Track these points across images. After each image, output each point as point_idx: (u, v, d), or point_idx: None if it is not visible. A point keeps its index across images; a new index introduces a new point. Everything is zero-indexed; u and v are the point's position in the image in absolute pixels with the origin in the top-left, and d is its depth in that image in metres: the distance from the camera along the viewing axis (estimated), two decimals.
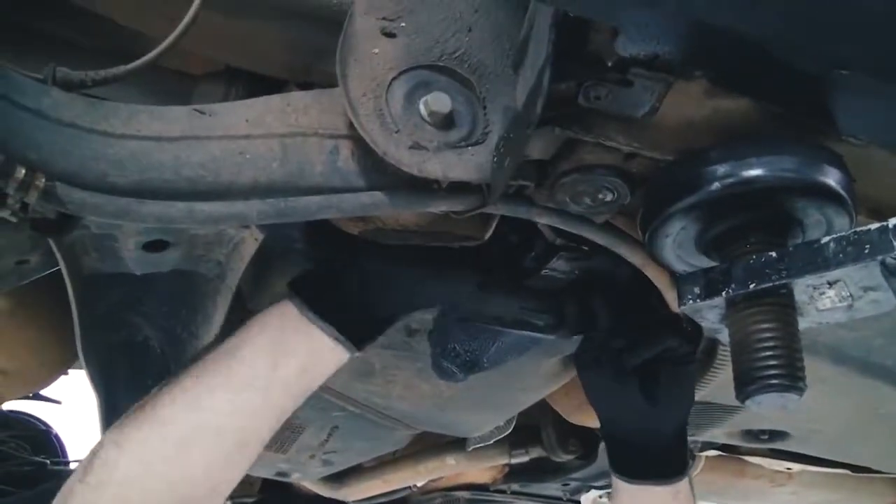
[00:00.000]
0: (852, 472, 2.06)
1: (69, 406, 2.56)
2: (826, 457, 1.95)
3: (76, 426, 2.78)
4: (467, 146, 0.94)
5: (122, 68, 0.96)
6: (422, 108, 0.94)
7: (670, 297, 1.17)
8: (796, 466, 2.08)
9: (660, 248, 0.95)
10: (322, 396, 1.63)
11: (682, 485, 1.33)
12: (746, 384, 0.84)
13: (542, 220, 1.05)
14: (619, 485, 1.35)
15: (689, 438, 1.86)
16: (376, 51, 0.95)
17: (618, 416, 1.38)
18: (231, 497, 2.57)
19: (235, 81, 1.24)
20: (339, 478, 2.38)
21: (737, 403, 1.50)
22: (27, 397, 2.39)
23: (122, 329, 1.37)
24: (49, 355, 1.72)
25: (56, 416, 2.69)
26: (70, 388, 2.19)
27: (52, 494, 2.30)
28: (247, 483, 2.64)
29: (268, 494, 2.74)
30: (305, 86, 1.20)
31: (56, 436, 2.67)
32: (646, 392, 1.29)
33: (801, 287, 0.85)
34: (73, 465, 2.53)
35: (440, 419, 1.75)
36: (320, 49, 1.14)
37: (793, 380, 0.83)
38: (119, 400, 1.52)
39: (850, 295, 0.85)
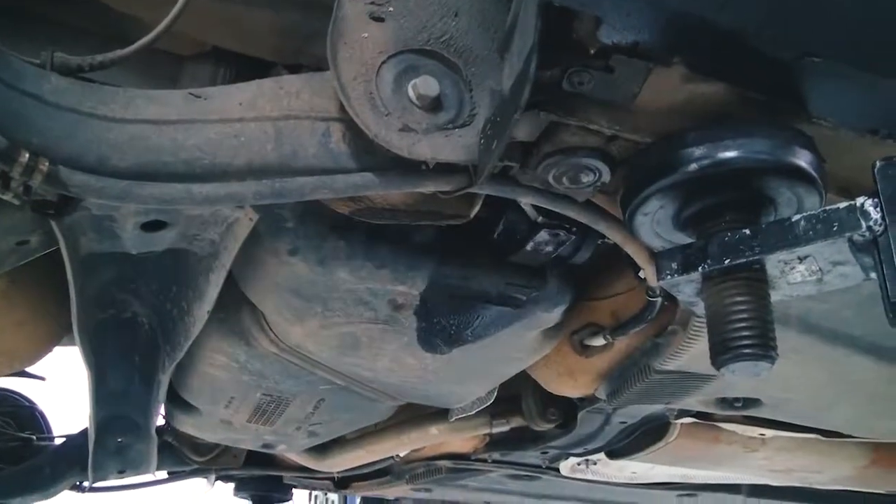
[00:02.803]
0: (823, 437, 2.13)
1: (53, 382, 2.59)
2: (798, 423, 2.02)
3: (60, 402, 2.81)
4: (454, 128, 0.98)
5: (118, 53, 0.99)
6: (410, 91, 0.97)
7: (649, 272, 1.22)
8: (769, 432, 2.14)
9: (639, 226, 0.99)
10: (309, 370, 1.67)
11: None
12: (721, 353, 0.89)
13: (526, 200, 1.10)
14: None
15: (666, 407, 1.93)
16: (365, 35, 0.98)
17: None
18: (217, 469, 2.63)
19: (223, 63, 1.27)
20: (323, 449, 2.42)
21: (711, 372, 1.57)
22: (11, 374, 2.41)
23: (111, 307, 1.41)
24: (37, 333, 1.74)
25: (40, 392, 2.72)
26: (54, 365, 2.22)
27: (39, 470, 2.33)
28: (231, 456, 2.68)
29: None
30: (294, 68, 1.23)
31: (40, 412, 2.70)
32: None
33: (773, 262, 0.90)
34: (57, 441, 2.56)
35: (424, 391, 1.80)
36: (309, 32, 1.17)
37: (765, 349, 0.89)
38: (108, 375, 1.55)
39: (820, 269, 0.91)
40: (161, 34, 1.00)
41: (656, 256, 0.96)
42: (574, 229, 1.27)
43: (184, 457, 2.57)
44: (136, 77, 1.28)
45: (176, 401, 1.97)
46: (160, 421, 2.12)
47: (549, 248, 1.32)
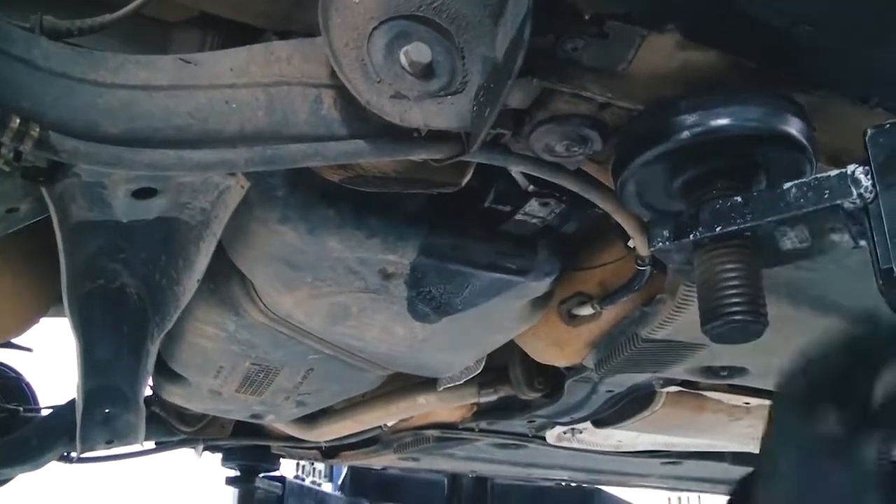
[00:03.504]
0: None
1: (40, 354, 2.58)
2: None
3: (46, 373, 2.80)
4: (447, 95, 0.98)
5: (107, 17, 0.98)
6: (402, 58, 0.97)
7: (639, 241, 1.22)
8: (754, 401, 2.17)
9: (630, 194, 1.00)
10: (298, 340, 1.67)
11: None
12: (712, 320, 0.90)
13: (518, 168, 1.10)
14: None
15: (652, 376, 1.95)
16: (357, 0, 0.98)
17: None
18: (205, 439, 2.64)
19: (211, 29, 1.25)
20: (311, 419, 2.43)
21: (698, 341, 1.58)
22: None
23: (100, 276, 1.40)
24: (24, 304, 1.74)
25: (26, 363, 2.71)
26: (40, 336, 2.21)
27: (26, 441, 2.33)
28: (219, 426, 2.69)
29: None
30: (283, 34, 1.22)
31: (27, 383, 2.69)
32: None
33: (765, 229, 0.91)
34: (44, 412, 2.55)
35: (413, 360, 1.80)
36: None
37: (755, 315, 0.90)
38: (96, 345, 1.55)
39: (811, 236, 0.92)
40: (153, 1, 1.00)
41: (648, 224, 0.97)
42: (564, 198, 1.28)
43: (171, 427, 2.57)
44: (123, 43, 1.26)
45: (164, 371, 1.97)
46: (148, 391, 2.12)
47: (540, 218, 1.33)
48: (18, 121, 0.83)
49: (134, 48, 1.25)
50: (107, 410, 1.72)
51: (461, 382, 2.08)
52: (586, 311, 1.62)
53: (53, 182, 0.95)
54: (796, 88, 0.93)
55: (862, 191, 0.83)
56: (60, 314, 1.85)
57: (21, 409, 2.58)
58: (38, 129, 0.83)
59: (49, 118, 0.86)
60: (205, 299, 1.57)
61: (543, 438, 2.68)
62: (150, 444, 2.71)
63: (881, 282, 0.81)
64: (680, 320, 1.47)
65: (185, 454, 2.82)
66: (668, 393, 2.12)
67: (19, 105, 0.85)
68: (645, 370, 1.83)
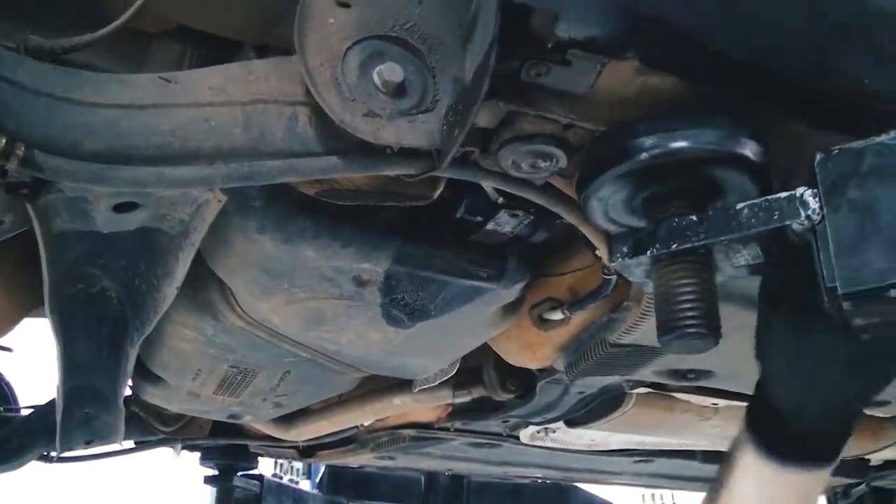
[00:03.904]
0: None
1: (20, 354, 2.59)
2: (749, 393, 2.10)
3: (27, 374, 2.81)
4: (418, 114, 1.01)
5: (90, 36, 1.01)
6: (375, 77, 1.00)
7: (603, 251, 1.26)
8: (722, 402, 2.22)
9: (593, 210, 1.04)
10: (275, 344, 1.70)
11: (826, 472, 1.09)
12: (667, 332, 0.95)
13: (487, 183, 1.14)
14: (758, 465, 1.10)
15: (622, 378, 2.00)
16: (331, 20, 1.01)
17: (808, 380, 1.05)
18: (183, 439, 2.66)
19: (189, 41, 1.28)
20: (288, 419, 2.46)
21: None
22: None
23: (80, 281, 1.43)
24: (5, 307, 1.76)
25: (6, 363, 2.72)
26: (20, 337, 2.23)
27: (7, 440, 2.34)
28: (197, 426, 2.71)
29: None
30: (261, 48, 1.25)
31: (7, 383, 2.70)
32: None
33: (719, 247, 0.96)
34: (24, 412, 2.57)
35: (388, 363, 1.84)
36: (276, 14, 1.19)
37: (709, 329, 0.94)
38: (76, 347, 1.58)
39: (762, 253, 0.97)
40: (134, 15, 1.03)
41: (609, 240, 1.01)
42: (533, 210, 1.32)
43: (150, 427, 2.60)
44: (102, 55, 1.29)
45: (144, 373, 2.00)
46: (127, 392, 2.15)
47: (509, 228, 1.37)
48: (4, 140, 0.86)
49: (113, 59, 1.28)
50: (86, 411, 1.75)
51: (436, 384, 2.12)
52: (557, 315, 1.66)
53: (37, 197, 0.98)
54: (752, 112, 0.97)
55: (810, 213, 0.87)
56: (40, 315, 1.88)
57: (1, 409, 2.60)
58: (23, 148, 0.87)
59: (34, 137, 0.89)
60: (184, 304, 1.60)
61: (517, 438, 2.72)
62: (129, 444, 2.73)
63: (826, 299, 0.86)
64: (645, 327, 1.52)
65: (163, 453, 2.85)
66: (637, 394, 2.17)
67: (4, 124, 0.88)
68: (614, 373, 1.87)
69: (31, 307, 1.81)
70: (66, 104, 0.92)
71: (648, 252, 0.96)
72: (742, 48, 0.90)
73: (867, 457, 2.90)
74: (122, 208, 1.17)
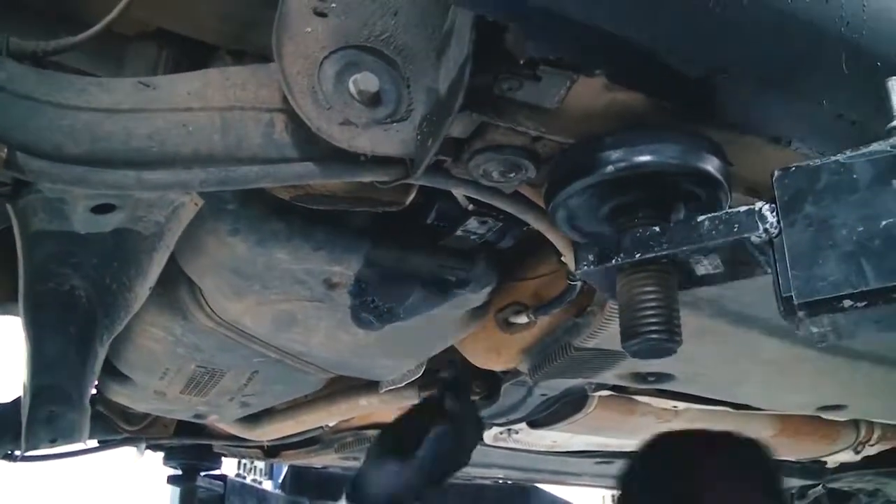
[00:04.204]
0: (733, 409, 2.27)
1: None
2: (709, 396, 2.15)
3: None
4: (392, 122, 1.04)
5: (70, 39, 1.03)
6: (351, 86, 1.03)
7: (569, 258, 1.30)
8: (682, 405, 2.27)
9: (560, 219, 1.08)
10: (244, 344, 1.72)
11: None
12: (630, 338, 0.99)
13: (458, 190, 1.17)
14: None
15: (585, 381, 2.04)
16: (309, 30, 1.03)
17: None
18: (147, 438, 2.65)
19: (167, 44, 1.30)
20: (254, 419, 2.48)
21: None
22: None
23: (50, 280, 1.43)
24: None
25: None
26: None
27: None
28: (161, 425, 2.71)
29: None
30: (237, 53, 1.27)
31: None
32: None
33: (681, 257, 0.99)
34: None
35: (356, 364, 1.87)
36: (252, 20, 1.22)
37: (669, 335, 0.98)
38: (45, 344, 1.58)
39: (723, 263, 1.01)
40: (115, 20, 1.04)
41: (574, 248, 1.05)
42: (501, 217, 1.35)
43: (114, 426, 2.60)
44: (80, 57, 1.30)
45: (110, 371, 2.00)
46: (92, 391, 2.14)
47: (478, 234, 1.41)
48: None
49: (90, 62, 1.29)
50: (51, 409, 1.74)
51: (402, 385, 2.15)
52: (522, 319, 1.70)
53: (17, 198, 0.99)
54: (714, 127, 1.01)
55: (768, 226, 0.90)
56: (7, 312, 1.88)
57: None
58: (6, 150, 0.88)
59: (16, 139, 0.91)
60: (153, 303, 1.61)
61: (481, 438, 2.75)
62: (93, 443, 2.72)
63: (782, 308, 0.90)
64: (608, 331, 1.56)
65: (127, 452, 2.84)
66: (599, 397, 2.22)
67: None
68: (577, 376, 1.91)
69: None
70: (48, 107, 0.94)
71: (613, 261, 1.00)
72: (699, 65, 0.94)
73: (823, 459, 2.98)
74: (99, 210, 1.18)
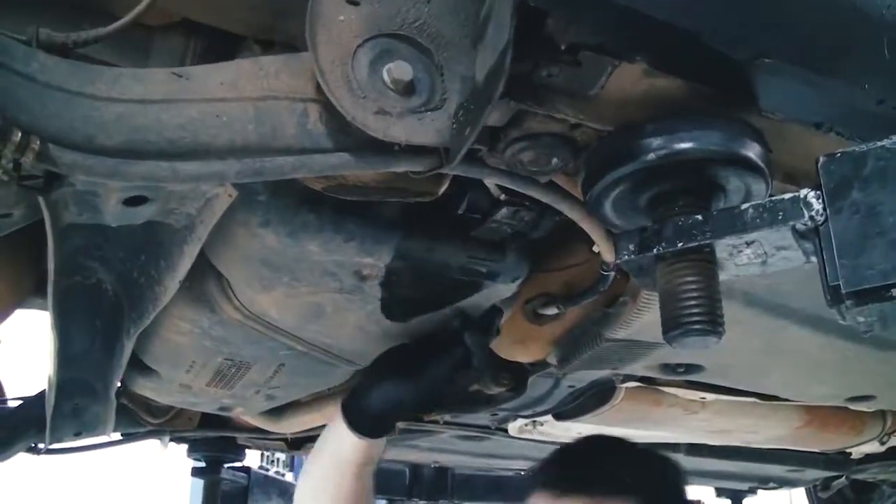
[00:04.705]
0: (761, 399, 2.26)
1: (7, 346, 2.58)
2: (737, 387, 2.14)
3: (14, 366, 2.80)
4: (426, 111, 1.03)
5: (102, 30, 1.02)
6: (385, 75, 1.02)
7: (604, 248, 1.29)
8: (709, 396, 2.26)
9: (599, 208, 1.07)
10: (272, 337, 1.72)
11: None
12: (673, 329, 0.98)
13: (493, 180, 1.16)
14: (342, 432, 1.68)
15: (612, 372, 2.03)
16: (342, 18, 1.02)
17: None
18: (171, 430, 2.66)
19: (193, 35, 1.29)
20: (278, 411, 2.47)
21: (657, 340, 1.66)
22: None
23: (77, 273, 1.43)
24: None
25: None
26: (8, 327, 2.22)
27: None
28: (185, 418, 2.72)
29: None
30: (265, 43, 1.26)
31: None
32: None
33: (722, 246, 0.99)
34: (12, 403, 2.56)
35: None
36: (281, 9, 1.21)
37: (713, 325, 0.97)
38: (70, 339, 1.59)
39: (765, 253, 1.00)
40: (145, 10, 1.03)
41: (615, 238, 1.04)
42: (534, 207, 1.34)
43: (138, 418, 2.60)
44: (106, 48, 1.29)
45: (136, 364, 2.00)
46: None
47: (510, 224, 1.39)
48: (20, 134, 0.86)
49: (117, 53, 1.29)
50: (76, 402, 1.75)
51: None
52: (551, 310, 1.69)
53: (50, 191, 0.99)
54: (755, 113, 0.99)
55: (813, 213, 0.90)
56: (31, 306, 1.88)
57: None
58: (38, 142, 0.87)
59: (48, 131, 0.90)
60: (180, 296, 1.60)
61: (506, 430, 2.75)
62: (117, 435, 2.73)
63: (829, 297, 0.89)
64: (640, 322, 1.55)
65: (151, 445, 2.85)
66: (627, 388, 2.21)
67: (18, 118, 0.88)
68: (606, 367, 1.91)
69: (23, 298, 1.81)
70: (80, 98, 0.93)
71: (654, 250, 0.99)
72: (743, 49, 0.92)
73: (849, 450, 2.96)
74: (132, 202, 1.18)
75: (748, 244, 0.98)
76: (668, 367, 1.93)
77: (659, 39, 0.90)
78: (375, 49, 1.02)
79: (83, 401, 1.75)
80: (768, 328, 1.61)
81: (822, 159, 0.90)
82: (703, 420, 2.45)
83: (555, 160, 1.05)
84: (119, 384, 2.19)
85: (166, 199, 1.21)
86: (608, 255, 1.31)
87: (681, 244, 0.97)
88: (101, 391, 1.73)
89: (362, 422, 1.67)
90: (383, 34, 1.03)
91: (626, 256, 1.02)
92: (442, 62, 1.04)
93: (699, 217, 0.97)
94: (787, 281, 1.38)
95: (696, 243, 0.96)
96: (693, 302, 0.97)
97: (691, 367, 1.92)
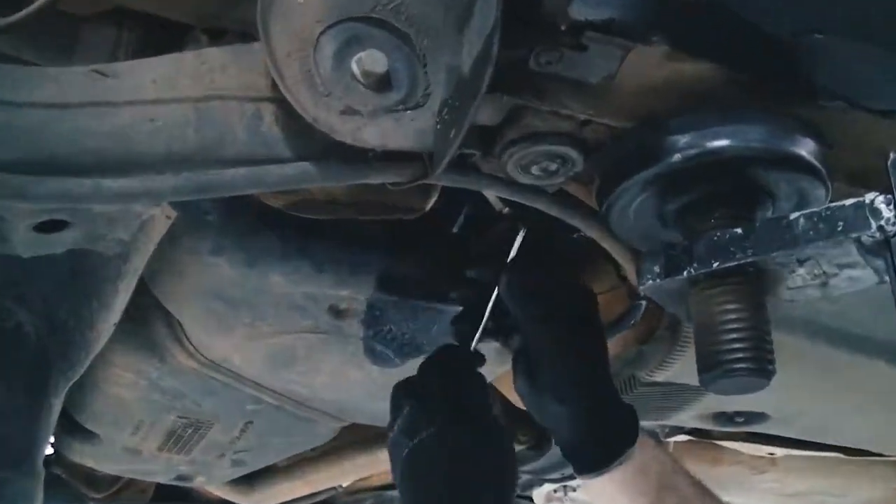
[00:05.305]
0: (846, 455, 2.23)
1: None
2: (814, 439, 2.12)
3: None
4: (406, 110, 1.03)
5: (10, 18, 1.03)
6: (354, 67, 1.02)
7: (631, 271, 1.29)
8: (780, 451, 2.24)
9: (617, 222, 1.07)
10: (234, 387, 1.72)
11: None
12: (709, 369, 0.97)
13: (490, 191, 1.17)
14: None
15: (656, 423, 2.02)
16: (301, 1, 1.03)
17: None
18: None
19: (127, 26, 1.30)
20: (249, 480, 2.47)
21: None
22: None
23: None
24: None
25: None
26: None
27: None
28: (137, 490, 2.71)
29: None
30: (214, 33, 1.27)
31: None
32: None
33: (770, 265, 0.98)
34: None
35: (372, 409, 1.85)
36: None
37: (759, 363, 0.97)
38: None
39: (824, 272, 0.99)
40: None
41: (637, 258, 1.04)
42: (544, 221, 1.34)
43: (77, 492, 2.60)
44: (20, 42, 1.31)
45: (70, 426, 2.00)
46: (49, 450, 2.15)
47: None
48: None
49: (33, 48, 1.30)
50: None
51: None
52: None
53: None
54: (806, 102, 0.99)
55: (882, 223, 0.88)
56: None
57: None
58: None
59: None
60: (122, 341, 1.61)
61: (530, 499, 2.73)
62: None
63: None
64: (683, 361, 1.54)
65: None
66: (675, 443, 2.19)
67: None
68: (646, 417, 1.89)
69: None
70: None
71: (685, 272, 0.98)
72: (788, 23, 0.92)
73: None
74: (46, 227, 1.17)
75: (801, 262, 0.97)
76: (723, 417, 1.92)
77: (682, 14, 0.90)
78: (342, 36, 1.02)
79: (5, 472, 1.75)
80: (843, 364, 1.60)
81: (892, 156, 0.89)
82: (774, 481, 2.43)
83: (562, 165, 1.05)
84: (51, 451, 2.20)
85: (90, 222, 1.21)
86: (635, 281, 1.31)
87: (716, 264, 0.96)
88: (27, 461, 1.73)
89: None
90: (352, 18, 1.03)
91: (651, 280, 1.02)
92: (423, 50, 1.04)
93: (738, 231, 0.96)
94: (860, 303, 1.37)
95: (736, 262, 0.96)
96: (733, 336, 0.96)
97: (752, 416, 1.91)
